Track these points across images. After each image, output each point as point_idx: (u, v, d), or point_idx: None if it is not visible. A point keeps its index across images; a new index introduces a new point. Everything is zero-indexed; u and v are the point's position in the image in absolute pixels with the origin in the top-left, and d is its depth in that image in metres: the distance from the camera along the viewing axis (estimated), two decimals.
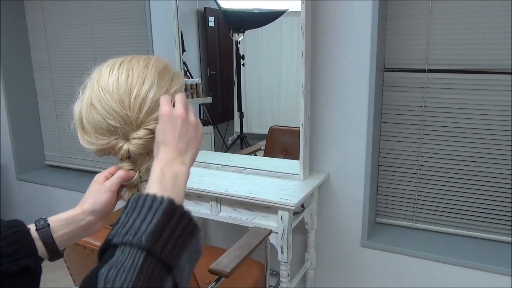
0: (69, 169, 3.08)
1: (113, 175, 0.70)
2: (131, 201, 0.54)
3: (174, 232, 0.51)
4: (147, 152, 0.69)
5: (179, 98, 0.67)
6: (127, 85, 0.66)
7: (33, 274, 0.63)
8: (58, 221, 0.68)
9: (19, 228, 0.64)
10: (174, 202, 0.54)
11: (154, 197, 0.53)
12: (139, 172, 0.69)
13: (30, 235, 0.64)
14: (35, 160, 3.20)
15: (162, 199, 0.53)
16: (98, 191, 0.69)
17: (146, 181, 0.67)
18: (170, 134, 0.63)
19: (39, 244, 0.65)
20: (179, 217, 0.53)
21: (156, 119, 0.67)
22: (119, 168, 0.70)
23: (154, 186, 0.58)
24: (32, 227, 0.66)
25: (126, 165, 0.69)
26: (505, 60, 1.73)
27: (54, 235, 0.66)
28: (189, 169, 0.65)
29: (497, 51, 1.73)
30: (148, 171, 0.68)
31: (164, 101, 0.65)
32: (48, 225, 0.67)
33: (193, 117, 0.66)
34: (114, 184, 0.69)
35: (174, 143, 0.63)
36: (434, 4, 1.79)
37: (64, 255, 0.70)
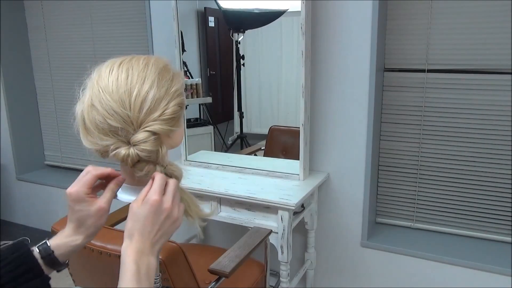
0: (73, 169, 3.08)
1: (95, 179, 0.71)
2: None
3: None
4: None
5: (172, 186, 0.66)
6: (127, 85, 0.66)
7: None
8: (59, 246, 0.69)
9: (22, 252, 0.65)
10: None
11: None
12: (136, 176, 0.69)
13: (33, 256, 0.65)
14: (35, 160, 3.20)
15: None
16: (97, 214, 0.69)
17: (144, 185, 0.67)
18: (150, 226, 0.63)
19: (42, 263, 0.66)
20: None
21: (156, 120, 0.66)
22: (112, 172, 0.70)
23: (131, 281, 0.59)
24: (35, 249, 0.67)
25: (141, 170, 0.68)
26: (505, 60, 1.72)
27: (56, 253, 0.68)
28: (157, 257, 0.65)
29: (497, 51, 1.73)
30: (147, 174, 0.68)
31: (156, 188, 0.64)
32: (46, 242, 0.68)
33: (176, 211, 0.66)
34: (110, 200, 0.70)
35: (150, 235, 0.63)
36: (434, 4, 1.79)
37: (67, 263, 0.72)
